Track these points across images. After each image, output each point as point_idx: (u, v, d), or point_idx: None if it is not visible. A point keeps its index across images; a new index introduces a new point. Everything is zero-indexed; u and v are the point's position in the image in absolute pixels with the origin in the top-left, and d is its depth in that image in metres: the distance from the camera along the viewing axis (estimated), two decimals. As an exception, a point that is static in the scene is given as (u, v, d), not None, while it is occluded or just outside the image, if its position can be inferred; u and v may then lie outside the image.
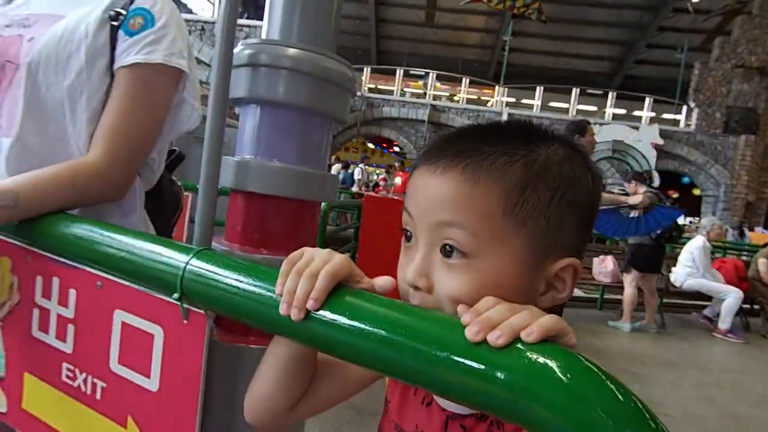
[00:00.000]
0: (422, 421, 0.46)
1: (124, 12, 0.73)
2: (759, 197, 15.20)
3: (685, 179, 15.54)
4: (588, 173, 0.44)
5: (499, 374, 0.31)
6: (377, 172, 12.05)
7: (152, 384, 0.55)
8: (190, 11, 15.98)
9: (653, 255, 4.09)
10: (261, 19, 0.79)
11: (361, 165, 10.71)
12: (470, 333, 0.32)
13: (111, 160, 0.70)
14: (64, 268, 0.61)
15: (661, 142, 14.52)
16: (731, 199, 14.51)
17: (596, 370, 0.30)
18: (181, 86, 0.81)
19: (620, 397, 0.28)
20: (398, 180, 8.88)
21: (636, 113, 17.89)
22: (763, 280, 4.71)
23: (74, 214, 0.67)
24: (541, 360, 0.31)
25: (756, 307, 4.92)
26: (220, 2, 0.58)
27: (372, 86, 17.56)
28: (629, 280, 4.14)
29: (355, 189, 9.52)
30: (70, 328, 0.61)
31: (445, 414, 0.44)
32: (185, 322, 0.52)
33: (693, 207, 14.45)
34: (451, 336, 0.34)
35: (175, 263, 0.52)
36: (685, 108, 15.66)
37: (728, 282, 4.61)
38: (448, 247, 0.41)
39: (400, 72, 16.58)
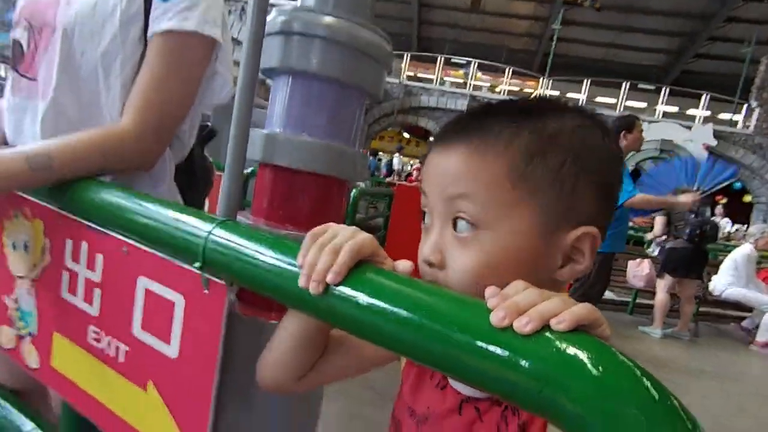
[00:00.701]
0: (435, 403, 0.45)
1: None
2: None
3: (737, 184, 14.52)
4: (604, 141, 0.42)
5: (523, 362, 0.29)
6: (411, 162, 11.95)
7: (172, 350, 0.54)
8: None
9: (691, 259, 3.86)
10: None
11: (398, 155, 10.66)
12: (496, 318, 0.30)
13: (142, 128, 0.70)
14: (93, 232, 0.62)
15: (714, 143, 13.63)
16: (787, 207, 13.50)
17: (631, 364, 0.27)
18: (214, 57, 0.80)
19: (656, 395, 0.26)
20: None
21: (690, 112, 16.80)
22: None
23: (104, 181, 0.68)
24: (571, 350, 0.28)
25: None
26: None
27: (411, 74, 17.36)
28: (662, 286, 3.94)
29: (389, 179, 9.50)
30: (97, 292, 0.61)
31: (459, 397, 0.43)
32: (206, 291, 0.52)
33: (743, 214, 13.54)
34: (474, 319, 0.32)
35: (198, 232, 0.51)
36: (745, 107, 14.56)
37: (770, 290, 4.31)
38: (458, 220, 0.40)
39: (440, 60, 16.29)
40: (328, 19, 0.63)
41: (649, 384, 0.26)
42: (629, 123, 2.90)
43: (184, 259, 0.53)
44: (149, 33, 0.74)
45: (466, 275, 0.40)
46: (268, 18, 0.65)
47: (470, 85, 16.24)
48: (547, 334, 0.29)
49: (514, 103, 0.43)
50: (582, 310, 0.30)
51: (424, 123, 15.78)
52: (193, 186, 1.04)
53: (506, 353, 0.29)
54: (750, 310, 4.39)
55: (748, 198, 14.58)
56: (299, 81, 0.66)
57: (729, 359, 3.76)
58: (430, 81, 16.56)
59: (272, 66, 0.66)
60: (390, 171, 10.34)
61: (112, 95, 0.74)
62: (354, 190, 2.52)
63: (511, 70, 16.73)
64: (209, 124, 1.17)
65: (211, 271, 0.51)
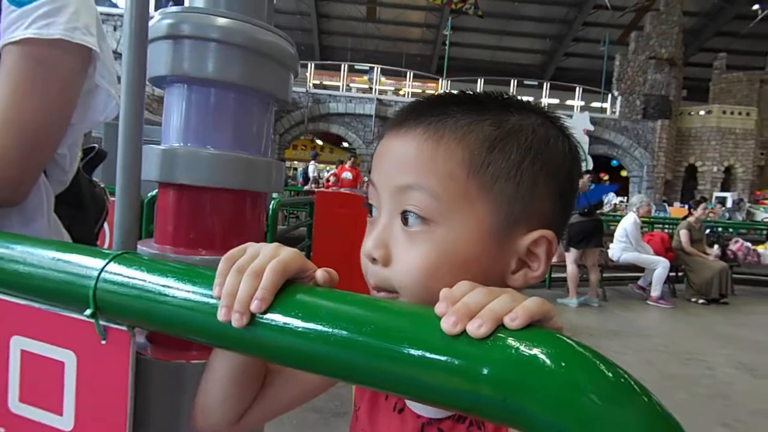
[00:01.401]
0: (394, 429, 0.42)
1: None
2: (675, 175, 16.82)
3: (614, 162, 16.80)
4: (566, 140, 0.40)
5: (484, 370, 0.27)
6: (327, 168, 11.86)
7: (66, 422, 0.45)
8: (114, 5, 14.81)
9: (590, 231, 4.36)
10: None
11: (313, 162, 10.52)
12: (447, 324, 0.28)
13: (0, 153, 0.58)
14: (-60, 289, 0.49)
15: (592, 128, 15.63)
16: (653, 178, 15.97)
17: (587, 353, 0.26)
18: (92, 68, 0.69)
19: (612, 377, 0.25)
20: (348, 175, 8.78)
21: (568, 102, 19.02)
22: (685, 249, 5.18)
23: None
24: (530, 350, 0.27)
25: (680, 274, 5.39)
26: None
27: (317, 82, 17.29)
28: (570, 259, 4.38)
29: (307, 187, 9.35)
30: (-46, 363, 0.49)
31: (420, 420, 0.40)
32: (104, 342, 0.43)
33: (622, 187, 15.66)
34: (425, 330, 0.30)
35: (85, 272, 0.43)
36: (610, 96, 16.88)
37: (656, 253, 5.03)
38: (407, 213, 0.37)
39: (344, 67, 16.44)
40: (222, 21, 0.57)
41: (604, 368, 0.26)
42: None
43: (71, 308, 0.44)
44: (1, 44, 0.61)
45: (412, 273, 0.36)
46: (151, 22, 0.57)
47: (375, 89, 16.62)
48: (503, 334, 0.28)
49: (476, 94, 0.41)
50: (533, 304, 0.28)
51: (335, 129, 15.81)
52: (81, 218, 0.90)
53: (464, 363, 0.27)
54: (642, 270, 5.02)
55: (624, 173, 16.90)
56: (195, 89, 0.59)
57: (632, 317, 4.27)
58: (336, 88, 16.65)
59: (162, 74, 0.59)
60: (306, 179, 10.15)
61: None
62: (272, 202, 2.41)
63: (411, 73, 17.46)
64: (96, 145, 1.02)
65: (107, 318, 0.42)
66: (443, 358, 0.28)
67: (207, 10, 0.59)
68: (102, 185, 1.00)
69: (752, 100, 18.29)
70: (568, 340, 0.28)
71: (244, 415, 0.44)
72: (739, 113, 16.85)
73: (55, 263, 0.45)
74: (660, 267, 4.78)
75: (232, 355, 0.42)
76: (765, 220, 10.74)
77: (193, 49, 0.57)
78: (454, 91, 0.41)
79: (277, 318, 0.34)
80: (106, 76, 0.72)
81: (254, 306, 0.33)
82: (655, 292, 4.78)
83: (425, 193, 0.36)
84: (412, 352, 0.29)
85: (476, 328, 0.27)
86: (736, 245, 5.93)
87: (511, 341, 0.27)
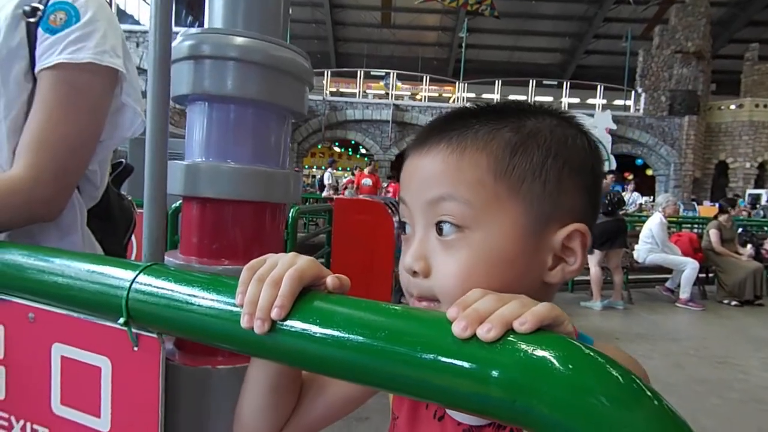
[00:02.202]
0: None
1: (41, 7, 0.65)
2: (704, 173, 16.23)
3: (639, 161, 16.34)
4: (584, 137, 0.42)
5: (493, 372, 0.28)
6: (345, 175, 11.96)
7: (103, 424, 0.48)
8: (137, 22, 15.36)
9: (613, 231, 4.25)
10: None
11: (330, 169, 10.61)
12: (457, 329, 0.29)
13: (37, 174, 0.62)
14: (-12, 301, 0.53)
15: (614, 127, 15.26)
16: (680, 177, 15.45)
17: (596, 356, 0.27)
18: (119, 89, 0.73)
19: (621, 379, 0.26)
20: (368, 181, 8.80)
21: (590, 101, 18.64)
22: (715, 249, 4.99)
23: (-3, 239, 0.59)
24: (538, 352, 0.27)
25: (711, 275, 5.20)
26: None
27: (333, 89, 17.48)
28: (593, 261, 4.28)
29: (324, 194, 9.44)
30: (1, 370, 0.52)
31: (460, 428, 0.41)
32: (136, 349, 0.46)
33: (648, 186, 15.24)
34: (437, 335, 0.31)
35: (118, 283, 0.46)
36: (633, 93, 16.47)
37: (684, 254, 4.87)
38: (442, 223, 0.38)
39: (360, 73, 16.57)
40: (239, 40, 0.60)
41: (614, 371, 0.26)
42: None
43: (105, 317, 0.47)
44: (37, 69, 0.66)
45: (453, 280, 0.37)
46: (174, 43, 0.61)
47: (392, 95, 16.68)
48: (512, 338, 0.28)
49: (491, 105, 0.42)
50: (542, 309, 0.29)
51: (352, 135, 15.91)
52: (111, 230, 0.94)
53: (474, 365, 0.28)
54: (670, 271, 4.87)
55: (650, 171, 16.41)
56: (216, 106, 0.62)
57: (660, 320, 4.14)
58: (353, 95, 16.80)
59: (184, 92, 0.62)
60: (322, 187, 10.25)
61: None
62: (291, 210, 2.46)
63: (428, 77, 17.45)
64: (123, 160, 1.07)
65: (139, 326, 0.45)
66: (455, 362, 0.29)
67: (226, 31, 0.62)
68: (129, 198, 1.04)
69: (787, 90, 17.54)
70: (576, 343, 0.28)
71: (283, 428, 0.45)
72: (773, 105, 16.19)
73: (91, 275, 0.48)
74: (688, 268, 4.62)
75: (267, 366, 0.43)
76: (803, 216, 10.24)
77: (213, 68, 0.60)
78: (471, 105, 0.43)
79: (296, 324, 0.36)
80: (132, 95, 0.76)
81: (274, 313, 0.35)
82: (684, 294, 4.62)
83: (457, 202, 0.38)
84: (425, 355, 0.30)
85: (486, 332, 0.28)
86: (771, 244, 5.68)
87: (520, 344, 0.28)
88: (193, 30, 0.62)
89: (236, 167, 0.61)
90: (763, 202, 13.38)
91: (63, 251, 0.52)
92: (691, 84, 15.82)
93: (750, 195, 14.49)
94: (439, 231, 0.39)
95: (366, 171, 8.99)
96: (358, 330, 0.33)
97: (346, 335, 0.34)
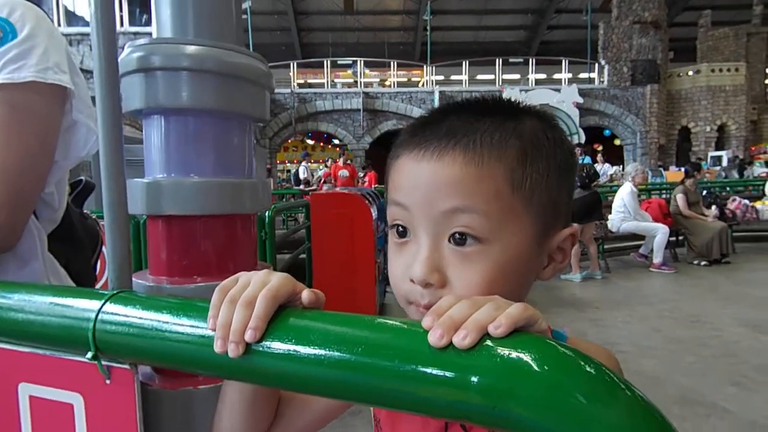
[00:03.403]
0: None
1: None
2: (669, 139, 16.80)
3: (606, 132, 16.77)
4: (563, 135, 0.43)
5: (472, 379, 0.28)
6: (320, 167, 11.83)
7: (81, 461, 0.46)
8: (88, 23, 14.60)
9: (590, 205, 4.38)
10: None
11: (304, 163, 10.48)
12: (433, 338, 0.29)
13: None
14: (-56, 345, 0.50)
15: (581, 100, 15.58)
16: (647, 145, 15.96)
17: (571, 354, 0.27)
18: (68, 105, 0.69)
19: (595, 375, 0.26)
20: (344, 173, 8.73)
21: (556, 76, 18.93)
22: (683, 213, 5.20)
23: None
24: (515, 354, 0.28)
25: (680, 238, 5.42)
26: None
27: (301, 81, 17.19)
28: None
29: (301, 188, 9.33)
30: (-35, 415, 0.50)
31: (443, 420, 0.41)
32: (108, 382, 0.44)
33: (617, 156, 15.66)
34: (414, 345, 0.31)
35: (83, 314, 0.44)
36: (597, 66, 16.79)
37: (655, 220, 5.05)
38: (459, 235, 0.38)
39: (327, 63, 16.32)
40: (191, 49, 0.58)
41: (586, 366, 0.27)
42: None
43: (73, 351, 0.45)
44: None
45: (474, 291, 0.37)
46: (121, 56, 0.57)
47: (361, 83, 16.52)
48: (489, 343, 0.28)
49: (482, 103, 0.42)
50: (516, 310, 0.29)
51: (324, 127, 15.75)
52: (76, 252, 0.90)
53: (453, 374, 0.28)
54: (643, 238, 5.05)
55: (617, 141, 16.87)
56: (172, 119, 0.59)
57: (636, 286, 4.31)
58: (321, 85, 16.56)
59: (137, 107, 0.59)
60: (297, 181, 10.12)
61: None
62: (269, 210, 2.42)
63: (395, 63, 17.33)
64: (83, 177, 1.02)
65: (109, 357, 0.43)
66: (433, 371, 0.29)
67: (176, 40, 0.59)
68: (93, 216, 1.00)
69: (740, 55, 18.18)
70: (551, 343, 0.29)
71: None
72: (728, 70, 16.77)
73: (53, 308, 0.46)
74: (660, 233, 4.81)
75: (243, 385, 0.43)
76: (761, 175, 10.76)
77: (165, 80, 0.57)
78: (458, 101, 0.42)
79: (271, 345, 0.35)
80: (84, 110, 0.72)
81: (248, 336, 0.34)
82: (657, 258, 4.82)
83: (476, 214, 0.37)
84: (404, 367, 0.30)
85: (461, 339, 0.28)
86: (734, 204, 5.95)
87: (496, 349, 0.28)
88: (141, 41, 0.58)
89: (200, 181, 0.59)
90: (724, 163, 13.97)
91: (21, 284, 0.50)
92: (650, 53, 16.24)
93: (712, 157, 15.09)
94: (456, 242, 0.38)
95: (340, 162, 8.91)
96: (335, 346, 0.33)
97: (324, 352, 0.33)
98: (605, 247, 4.91)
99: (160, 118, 0.59)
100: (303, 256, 3.67)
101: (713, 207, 5.58)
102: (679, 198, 5.30)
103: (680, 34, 21.19)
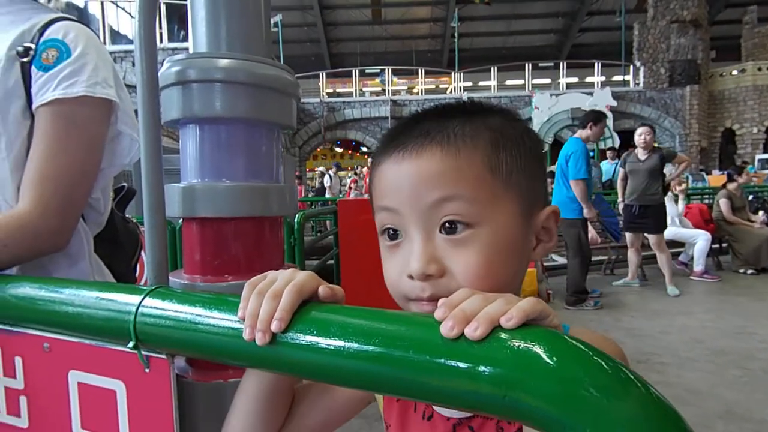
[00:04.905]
0: None
1: (33, 46, 0.67)
2: (711, 142, 15.96)
3: (643, 136, 16.11)
4: (528, 126, 0.46)
5: (483, 369, 0.29)
6: (348, 175, 11.98)
7: (123, 445, 0.50)
8: (131, 41, 15.40)
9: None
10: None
11: (330, 171, 10.63)
12: (445, 329, 0.30)
13: (42, 209, 0.64)
14: (4, 334, 0.55)
15: (614, 103, 15.08)
16: (686, 148, 15.21)
17: (582, 347, 0.28)
18: (114, 118, 0.75)
19: (608, 369, 0.26)
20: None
21: (588, 80, 18.41)
22: (727, 218, 4.93)
23: (8, 274, 0.61)
24: (525, 346, 0.28)
25: (724, 245, 5.13)
26: (137, 14, 0.53)
27: (330, 90, 17.49)
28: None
29: (328, 195, 9.46)
30: (23, 400, 0.55)
31: (450, 423, 0.42)
32: (147, 371, 0.48)
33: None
34: (427, 336, 0.32)
35: (125, 308, 0.48)
36: (632, 68, 16.24)
37: (696, 226, 4.81)
38: (449, 223, 0.39)
39: (355, 72, 16.56)
40: (224, 62, 0.62)
41: (601, 361, 0.27)
42: (598, 116, 3.60)
43: (116, 341, 0.49)
44: (34, 106, 0.68)
45: (474, 273, 0.39)
46: (161, 70, 0.62)
47: (389, 90, 16.65)
48: (501, 335, 0.29)
49: (449, 106, 0.44)
50: (527, 304, 0.30)
51: (352, 135, 15.93)
52: (118, 254, 0.97)
53: (464, 364, 0.29)
54: (682, 245, 4.84)
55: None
56: (206, 128, 0.63)
57: (676, 295, 4.10)
58: (349, 94, 16.79)
59: (175, 117, 0.64)
60: (323, 189, 10.25)
61: (2, 180, 0.68)
62: (297, 215, 2.48)
63: (423, 70, 17.38)
64: (125, 184, 1.10)
65: (148, 348, 0.47)
66: (445, 361, 0.30)
67: (210, 54, 0.64)
68: (134, 220, 1.07)
69: (789, 51, 17.16)
70: (561, 336, 0.29)
71: None
72: (776, 67, 15.86)
73: (99, 302, 0.50)
74: (701, 240, 4.58)
75: (259, 380, 0.45)
76: (815, 178, 10.06)
77: (200, 92, 0.61)
78: (425, 109, 0.45)
79: (295, 336, 0.37)
80: (127, 122, 0.78)
81: (274, 326, 0.37)
82: (698, 266, 4.58)
83: (462, 200, 0.39)
84: (417, 357, 0.32)
85: (473, 330, 0.29)
86: (784, 209, 5.60)
87: (507, 340, 0.29)
88: (178, 56, 0.63)
89: (231, 185, 0.63)
90: (773, 166, 13.15)
91: (71, 281, 0.54)
92: (690, 53, 15.57)
93: (759, 160, 14.26)
94: (447, 230, 0.39)
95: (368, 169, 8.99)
96: (354, 338, 0.35)
97: (343, 343, 0.35)
98: (642, 254, 4.72)
99: (195, 127, 0.63)
100: (331, 262, 3.72)
101: (760, 212, 5.27)
102: (723, 203, 5.03)
103: (723, 32, 20.22)
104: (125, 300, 0.49)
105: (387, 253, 0.43)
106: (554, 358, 0.27)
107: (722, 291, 4.27)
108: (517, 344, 0.29)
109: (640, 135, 4.21)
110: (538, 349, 0.28)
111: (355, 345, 0.35)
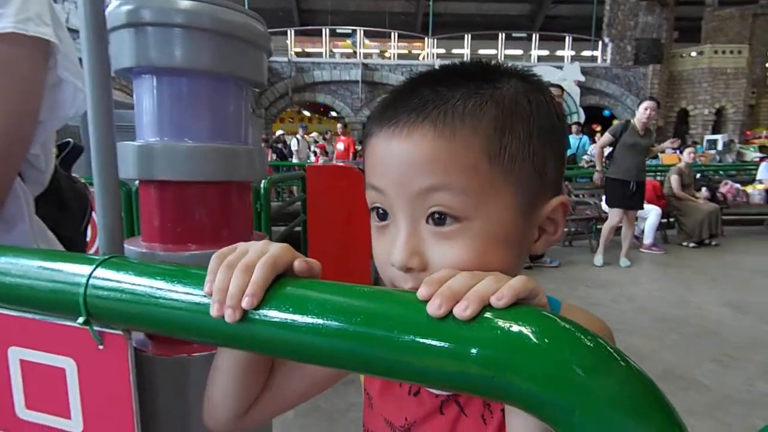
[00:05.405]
0: (413, 412, 0.42)
1: None
2: (667, 121, 16.67)
3: (606, 112, 16.62)
4: (550, 99, 0.40)
5: (472, 350, 0.27)
6: (317, 139, 11.66)
7: (75, 425, 0.46)
8: (76, -19, 13.96)
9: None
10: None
11: (298, 135, 10.32)
12: (432, 308, 0.28)
13: None
14: (-70, 307, 0.49)
15: (582, 79, 15.35)
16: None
17: (571, 328, 0.27)
18: (53, 61, 0.66)
19: (594, 349, 0.26)
20: (340, 146, 8.65)
21: (559, 53, 18.57)
22: (676, 194, 5.23)
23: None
24: (516, 327, 0.27)
25: (671, 219, 5.47)
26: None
27: (299, 50, 16.74)
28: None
29: (295, 160, 9.25)
30: (-45, 377, 0.49)
31: (438, 399, 0.41)
32: (101, 347, 0.44)
33: (616, 137, 15.53)
34: (412, 315, 0.30)
35: (73, 279, 0.43)
36: (600, 44, 16.47)
37: (649, 201, 5.07)
38: (437, 215, 0.36)
39: (326, 31, 15.86)
40: (185, 3, 0.54)
41: (586, 340, 0.27)
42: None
43: (64, 316, 0.44)
44: None
45: (462, 269, 0.35)
46: (108, 9, 0.54)
47: (360, 53, 16.13)
48: (489, 314, 0.28)
49: (458, 69, 0.39)
50: (518, 282, 0.29)
51: (321, 98, 15.46)
52: (65, 217, 0.88)
53: (453, 344, 0.28)
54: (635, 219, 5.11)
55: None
56: (165, 79, 0.56)
57: (626, 266, 4.33)
58: (319, 55, 16.15)
59: (127, 65, 0.56)
60: (290, 153, 9.99)
61: None
62: (264, 181, 2.39)
63: (396, 34, 16.89)
64: (70, 140, 0.99)
65: (101, 323, 0.43)
66: (433, 342, 0.29)
67: (168, -7, 0.56)
68: (82, 180, 0.98)
69: (744, 37, 17.87)
70: (551, 317, 0.28)
71: (250, 409, 0.45)
72: (731, 52, 16.51)
73: (42, 272, 0.45)
74: (652, 215, 4.85)
75: (234, 355, 0.42)
76: (755, 159, 10.80)
77: (157, 37, 0.54)
78: (432, 69, 0.39)
79: (269, 313, 0.34)
80: (69, 68, 0.69)
81: (245, 303, 0.34)
82: (648, 239, 4.87)
83: (453, 191, 0.35)
84: (402, 337, 0.30)
85: (462, 309, 0.28)
86: (726, 187, 6.00)
87: (498, 321, 0.28)
88: (129, -7, 0.55)
89: (195, 146, 0.57)
90: (719, 146, 13.96)
91: (8, 248, 0.48)
92: (655, 32, 15.93)
93: (708, 141, 15.08)
94: (434, 222, 0.36)
95: (341, 135, 8.82)
96: (333, 315, 0.33)
97: (322, 321, 0.33)
98: (598, 227, 4.95)
99: (151, 78, 0.56)
100: (298, 228, 3.66)
101: (704, 189, 5.62)
102: (673, 179, 5.32)
103: (687, 12, 20.71)
104: (73, 270, 0.44)
105: (376, 232, 0.40)
106: (546, 339, 0.27)
107: (667, 263, 4.58)
108: (507, 325, 0.28)
109: (646, 110, 3.92)
110: (528, 330, 0.27)
111: (334, 323, 0.32)
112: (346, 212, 2.70)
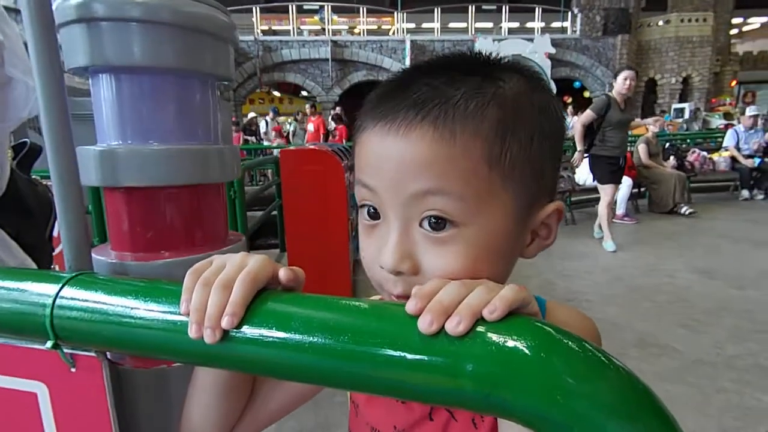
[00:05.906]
0: (401, 419, 0.42)
1: None
2: (635, 92, 16.95)
3: (577, 83, 16.80)
4: (551, 99, 0.38)
5: (467, 366, 0.27)
6: (288, 121, 11.39)
7: (53, 449, 0.44)
8: (18, -43, 12.95)
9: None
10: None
11: (267, 117, 10.05)
12: (423, 324, 0.28)
13: None
14: None
15: (553, 51, 15.41)
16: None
17: (564, 338, 0.27)
18: (-1, 60, 0.60)
19: (588, 359, 0.26)
20: (311, 126, 8.48)
21: (529, 25, 18.53)
22: (644, 163, 5.39)
23: None
24: (511, 342, 0.27)
25: (643, 189, 5.65)
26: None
27: (265, 28, 16.14)
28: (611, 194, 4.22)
29: (266, 143, 9.04)
30: None
31: (428, 405, 0.41)
32: (73, 370, 0.42)
33: (586, 108, 15.79)
34: (402, 331, 0.29)
35: (37, 300, 0.40)
36: (570, 15, 16.50)
37: (619, 172, 5.19)
38: (432, 219, 0.35)
39: (292, 8, 15.31)
40: (139, -6, 0.50)
41: (576, 347, 0.26)
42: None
43: (30, 339, 0.41)
44: None
45: (452, 277, 0.34)
46: (55, 3, 0.50)
47: (329, 30, 15.68)
48: (482, 328, 0.28)
49: (458, 63, 0.37)
50: (510, 293, 0.28)
51: (291, 78, 15.06)
52: (27, 223, 0.84)
53: (446, 361, 0.27)
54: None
55: (587, 94, 16.97)
56: (124, 78, 0.52)
57: (600, 237, 4.47)
58: (286, 33, 15.62)
59: (81, 64, 0.52)
60: (257, 136, 9.73)
61: None
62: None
63: (365, 8, 16.46)
64: (27, 140, 0.93)
65: (72, 345, 0.41)
66: (424, 358, 0.28)
67: (120, -17, 0.51)
68: (44, 183, 0.92)
69: (708, 4, 18.19)
70: (546, 328, 0.28)
71: (234, 429, 0.43)
72: (696, 20, 16.82)
73: (3, 293, 0.42)
74: (624, 186, 4.99)
75: (213, 373, 0.41)
76: (719, 127, 11.19)
77: (112, 33, 0.50)
78: (431, 60, 0.37)
79: (251, 331, 0.33)
80: (18, 65, 0.64)
81: (225, 322, 0.32)
82: (620, 210, 5.03)
83: (449, 196, 0.34)
84: (392, 354, 0.29)
85: (455, 325, 0.27)
86: (693, 156, 6.21)
87: (491, 335, 0.27)
88: (77, -16, 0.50)
89: (161, 148, 0.54)
90: (686, 115, 14.37)
91: (-36, 269, 0.45)
92: (623, 2, 16.04)
93: (675, 109, 15.49)
94: (430, 226, 0.35)
95: (311, 116, 8.64)
96: (319, 333, 0.32)
97: (307, 339, 0.32)
98: (572, 199, 5.06)
99: (109, 78, 0.52)
100: (274, 213, 3.60)
101: (671, 158, 5.80)
102: (641, 148, 5.48)
103: (653, -19, 20.89)
104: (38, 290, 0.41)
105: (365, 230, 0.38)
106: (542, 354, 0.26)
107: (639, 232, 4.75)
108: (502, 340, 0.27)
109: (626, 80, 3.63)
110: (524, 345, 0.27)
111: (320, 340, 0.31)
112: (322, 195, 2.67)
